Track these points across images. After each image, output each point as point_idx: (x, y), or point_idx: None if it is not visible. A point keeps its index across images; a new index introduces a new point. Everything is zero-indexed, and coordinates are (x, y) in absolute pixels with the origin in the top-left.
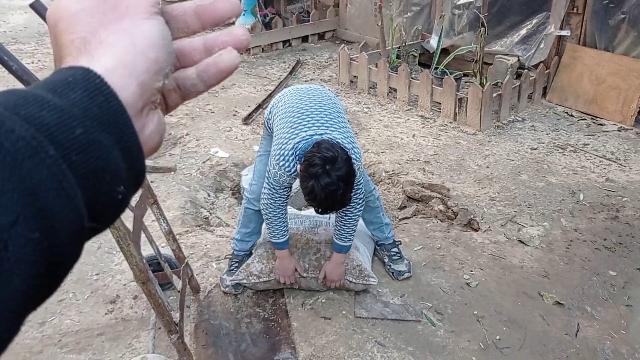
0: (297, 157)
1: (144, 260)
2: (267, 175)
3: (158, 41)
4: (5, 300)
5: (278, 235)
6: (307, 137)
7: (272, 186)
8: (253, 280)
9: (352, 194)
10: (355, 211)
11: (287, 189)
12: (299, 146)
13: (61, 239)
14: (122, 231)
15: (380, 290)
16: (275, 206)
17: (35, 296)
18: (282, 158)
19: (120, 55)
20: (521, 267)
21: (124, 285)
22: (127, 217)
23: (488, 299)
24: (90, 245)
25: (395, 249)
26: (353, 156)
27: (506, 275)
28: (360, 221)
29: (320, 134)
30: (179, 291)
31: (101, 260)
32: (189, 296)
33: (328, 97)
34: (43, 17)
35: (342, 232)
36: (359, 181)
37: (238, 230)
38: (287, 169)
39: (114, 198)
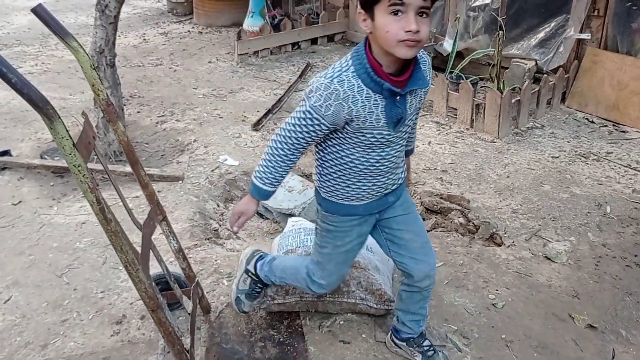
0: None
1: (154, 286)
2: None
3: None
4: None
5: (268, 178)
6: None
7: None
8: (267, 302)
9: None
10: None
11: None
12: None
13: None
14: (130, 255)
15: None
16: (290, 140)
17: None
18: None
19: None
20: (549, 286)
21: (131, 304)
22: (130, 230)
23: (516, 321)
24: (95, 260)
25: (427, 342)
26: None
27: (534, 294)
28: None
29: None
30: (189, 313)
31: (106, 277)
32: (199, 317)
33: None
34: (46, 23)
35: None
36: None
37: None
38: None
39: None
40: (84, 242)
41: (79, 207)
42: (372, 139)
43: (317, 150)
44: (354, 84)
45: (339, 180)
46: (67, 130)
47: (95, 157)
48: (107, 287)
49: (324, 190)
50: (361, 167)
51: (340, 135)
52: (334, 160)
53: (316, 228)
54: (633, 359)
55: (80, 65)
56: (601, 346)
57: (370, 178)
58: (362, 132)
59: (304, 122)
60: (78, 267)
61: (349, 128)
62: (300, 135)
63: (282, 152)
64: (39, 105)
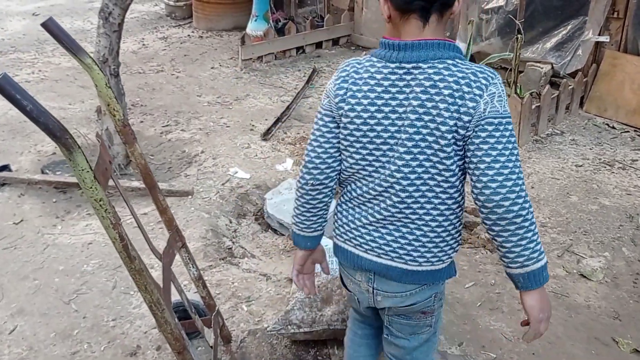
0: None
1: (180, 325)
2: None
3: None
4: None
5: (303, 222)
6: None
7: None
8: (292, 330)
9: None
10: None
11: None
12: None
13: None
14: (155, 295)
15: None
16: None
17: None
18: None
19: None
20: (588, 307)
21: (145, 333)
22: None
23: (557, 347)
24: (104, 284)
25: None
26: None
27: (573, 317)
28: None
29: None
30: (211, 347)
31: (117, 303)
32: (220, 347)
33: None
34: (57, 38)
35: (517, 243)
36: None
37: None
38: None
39: None
40: (91, 265)
41: (84, 226)
42: None
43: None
44: None
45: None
46: (87, 161)
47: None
48: (119, 314)
49: (456, 246)
50: None
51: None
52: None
53: (433, 314)
54: None
55: (95, 84)
56: None
57: None
58: None
59: None
60: (87, 293)
61: None
62: None
63: None
64: (56, 135)
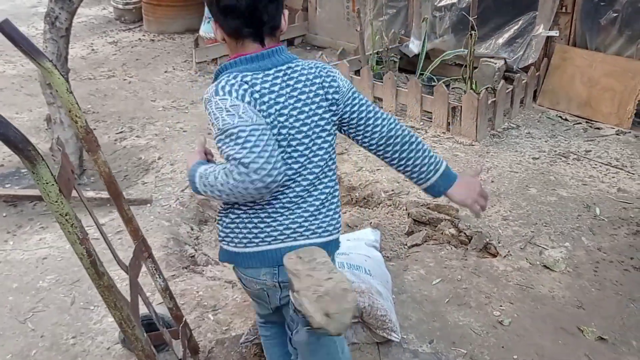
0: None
1: (150, 342)
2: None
3: None
4: None
5: None
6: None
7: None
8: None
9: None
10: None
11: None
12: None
13: None
14: (125, 312)
15: (405, 336)
16: None
17: None
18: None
19: None
20: (552, 298)
21: (108, 349)
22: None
23: (526, 339)
24: (62, 301)
25: None
26: None
27: (539, 308)
28: (376, 252)
29: None
30: (180, 359)
31: (77, 319)
32: (188, 358)
33: None
34: (14, 41)
35: (423, 155)
36: None
37: None
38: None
39: None
40: (47, 280)
41: (37, 240)
42: None
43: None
44: None
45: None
46: (52, 174)
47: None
48: (79, 331)
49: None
50: None
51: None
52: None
53: None
54: None
55: (55, 89)
56: (615, 359)
57: None
58: None
59: None
60: (43, 310)
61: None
62: None
63: None
64: (18, 147)
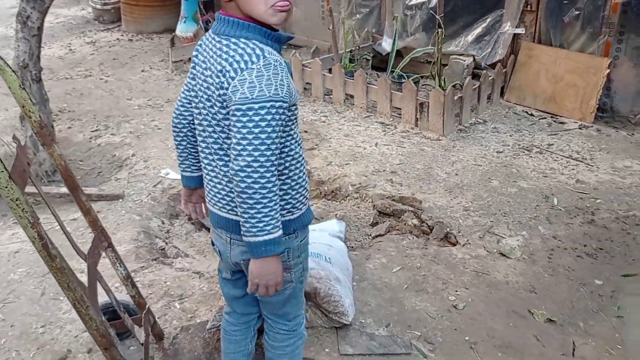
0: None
1: (105, 322)
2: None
3: None
4: None
5: (180, 163)
6: None
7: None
8: None
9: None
10: (248, 159)
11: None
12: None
13: None
14: (78, 292)
15: (363, 320)
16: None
17: None
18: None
19: None
20: (507, 283)
21: (76, 337)
22: (69, 256)
23: (478, 322)
24: (32, 292)
25: None
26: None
27: (493, 293)
28: (339, 242)
29: None
30: (142, 343)
31: (46, 309)
32: (152, 345)
33: None
34: None
35: (240, 215)
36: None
37: None
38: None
39: None
40: (18, 273)
41: (10, 235)
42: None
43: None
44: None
45: (299, 180)
46: (1, 162)
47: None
48: (48, 320)
49: (298, 203)
50: (300, 158)
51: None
52: (289, 158)
53: (290, 270)
54: (592, 349)
55: (8, 86)
56: (562, 340)
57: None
58: (295, 114)
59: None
60: (14, 301)
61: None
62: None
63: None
64: None
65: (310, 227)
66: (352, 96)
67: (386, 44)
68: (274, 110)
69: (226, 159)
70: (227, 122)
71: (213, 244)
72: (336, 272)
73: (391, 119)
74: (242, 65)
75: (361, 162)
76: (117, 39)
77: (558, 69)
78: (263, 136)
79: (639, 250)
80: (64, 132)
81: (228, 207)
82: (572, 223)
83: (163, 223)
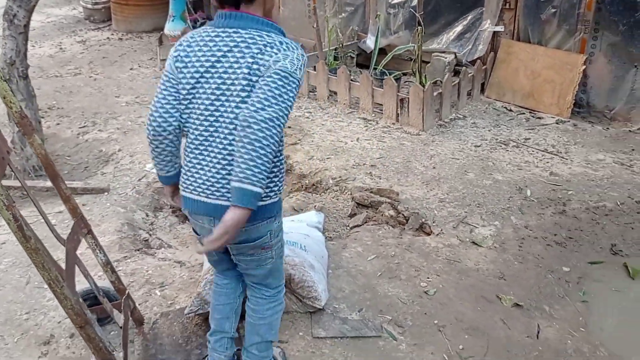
0: None
1: (81, 301)
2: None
3: None
4: None
5: (162, 168)
6: None
7: None
8: (205, 308)
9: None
10: (266, 120)
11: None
12: None
13: None
14: (52, 272)
15: (336, 305)
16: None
17: None
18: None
19: None
20: (477, 270)
21: (59, 322)
22: (53, 245)
23: (448, 307)
24: (17, 281)
25: None
26: None
27: (463, 279)
28: (317, 233)
29: None
30: (120, 327)
31: (31, 297)
32: (132, 329)
33: None
34: None
35: (242, 162)
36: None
37: None
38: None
39: None
40: (4, 263)
41: None
42: None
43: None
44: None
45: (282, 168)
46: None
47: (13, 173)
48: (32, 307)
49: (279, 188)
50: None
51: None
52: (280, 146)
53: (269, 251)
54: (556, 331)
55: None
56: (527, 323)
57: None
58: None
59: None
60: None
61: None
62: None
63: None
64: None
65: (289, 217)
66: (335, 93)
67: (370, 42)
68: (297, 91)
69: (230, 138)
70: (245, 93)
71: (196, 233)
72: (310, 259)
73: (373, 115)
74: (284, 46)
75: (342, 156)
76: (107, 37)
77: (536, 66)
78: (289, 103)
79: (607, 239)
80: (53, 129)
81: (218, 193)
82: (544, 213)
83: (147, 215)
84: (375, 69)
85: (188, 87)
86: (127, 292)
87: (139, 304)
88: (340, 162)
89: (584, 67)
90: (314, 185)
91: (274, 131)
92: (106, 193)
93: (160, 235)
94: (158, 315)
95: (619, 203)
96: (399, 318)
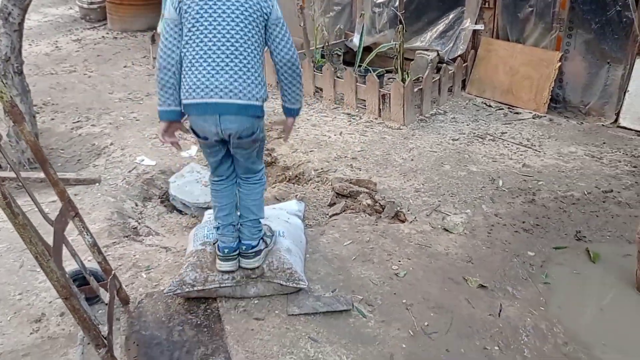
0: None
1: (66, 275)
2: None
3: None
4: None
5: (164, 100)
6: None
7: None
8: (187, 289)
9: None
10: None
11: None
12: None
13: None
14: (39, 247)
15: (312, 287)
16: (167, 51)
17: None
18: None
19: None
20: (446, 254)
21: (50, 302)
22: (46, 232)
23: (416, 288)
24: (11, 265)
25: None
26: None
27: (432, 263)
28: (296, 220)
29: None
30: (106, 304)
31: (24, 279)
32: (118, 308)
33: None
34: None
35: (287, 92)
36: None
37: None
38: None
39: None
40: None
41: None
42: None
43: (259, 51)
44: None
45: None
46: None
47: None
48: (25, 289)
49: (263, 89)
50: None
51: None
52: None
53: (257, 143)
54: (517, 310)
55: None
56: (490, 302)
57: None
58: None
59: None
60: None
61: None
62: None
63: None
64: None
65: (271, 206)
66: (321, 89)
67: (357, 40)
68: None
69: (245, 53)
70: (252, 28)
71: (194, 131)
72: (287, 243)
73: (357, 110)
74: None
75: (325, 150)
76: (103, 36)
77: (514, 62)
78: (291, 39)
79: (572, 226)
80: (47, 124)
81: (235, 91)
82: (514, 202)
83: (136, 205)
84: (360, 66)
85: (195, 28)
86: (113, 272)
87: (126, 286)
88: (323, 155)
89: (559, 63)
90: (296, 176)
91: (298, 63)
92: (97, 184)
93: (148, 224)
94: (143, 296)
95: (586, 192)
96: (369, 297)
